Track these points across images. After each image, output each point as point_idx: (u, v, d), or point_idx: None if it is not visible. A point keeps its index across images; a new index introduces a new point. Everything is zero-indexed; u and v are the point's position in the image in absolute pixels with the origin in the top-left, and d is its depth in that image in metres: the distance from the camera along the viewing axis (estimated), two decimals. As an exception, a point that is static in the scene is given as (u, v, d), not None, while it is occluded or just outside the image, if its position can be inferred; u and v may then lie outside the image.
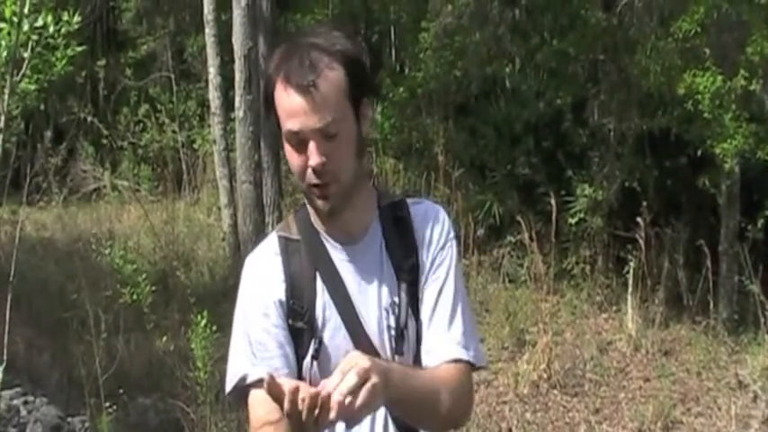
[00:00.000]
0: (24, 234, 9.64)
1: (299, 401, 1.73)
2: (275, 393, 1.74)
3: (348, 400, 1.74)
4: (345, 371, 1.77)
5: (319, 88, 1.99)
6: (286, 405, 1.73)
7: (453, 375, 2.11)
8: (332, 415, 1.73)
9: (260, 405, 2.07)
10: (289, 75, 2.01)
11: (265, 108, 2.14)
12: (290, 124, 2.02)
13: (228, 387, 2.15)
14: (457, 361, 2.13)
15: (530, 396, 7.84)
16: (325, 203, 2.08)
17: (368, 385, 1.76)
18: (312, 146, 2.01)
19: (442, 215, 2.23)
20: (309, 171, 2.04)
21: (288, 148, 2.07)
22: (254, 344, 2.13)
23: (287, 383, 1.75)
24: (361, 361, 1.80)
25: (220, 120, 10.64)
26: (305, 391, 1.74)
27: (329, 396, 1.72)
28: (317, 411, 1.73)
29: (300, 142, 2.03)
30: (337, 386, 1.75)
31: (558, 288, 9.54)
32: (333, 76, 2.02)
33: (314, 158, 2.02)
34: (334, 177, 2.05)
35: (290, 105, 2.02)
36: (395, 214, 2.20)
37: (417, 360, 2.16)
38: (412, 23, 12.77)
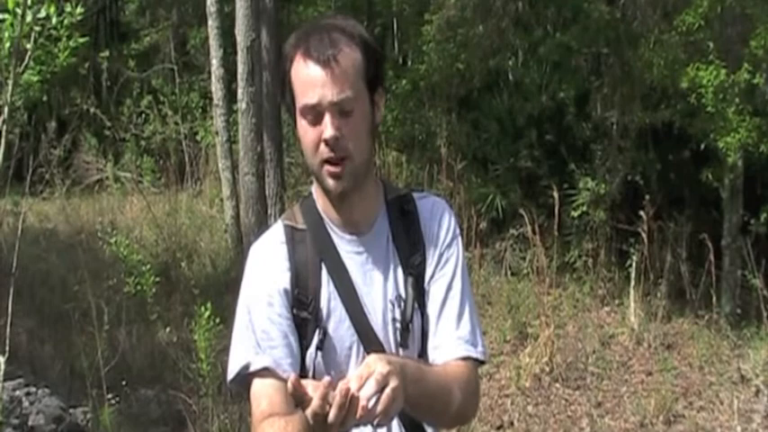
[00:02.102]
0: (27, 225, 9.65)
1: (329, 399, 1.74)
2: (299, 396, 1.75)
3: (371, 404, 1.75)
4: (364, 376, 1.78)
5: (339, 62, 2.02)
6: (316, 402, 1.74)
7: (463, 373, 2.12)
8: (357, 416, 1.75)
9: (264, 396, 2.08)
10: (309, 49, 2.04)
11: (281, 88, 2.15)
12: (306, 98, 2.04)
13: (231, 375, 2.15)
14: (465, 359, 2.14)
15: (532, 389, 7.84)
16: (337, 184, 2.07)
17: (387, 390, 1.77)
18: (327, 118, 2.02)
19: (448, 211, 2.24)
20: (323, 145, 2.04)
21: (302, 125, 2.08)
22: (258, 333, 2.12)
23: (310, 385, 1.77)
24: (380, 366, 1.80)
25: (223, 111, 10.63)
26: (334, 389, 1.75)
27: (357, 398, 1.74)
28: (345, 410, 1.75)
29: (316, 116, 2.04)
30: (358, 391, 1.76)
31: (560, 281, 9.54)
32: (352, 55, 2.05)
33: (328, 131, 2.02)
34: (348, 154, 2.05)
35: (309, 77, 2.03)
36: (402, 208, 2.21)
37: (422, 353, 2.17)
38: (415, 16, 12.79)
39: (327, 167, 2.06)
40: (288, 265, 2.15)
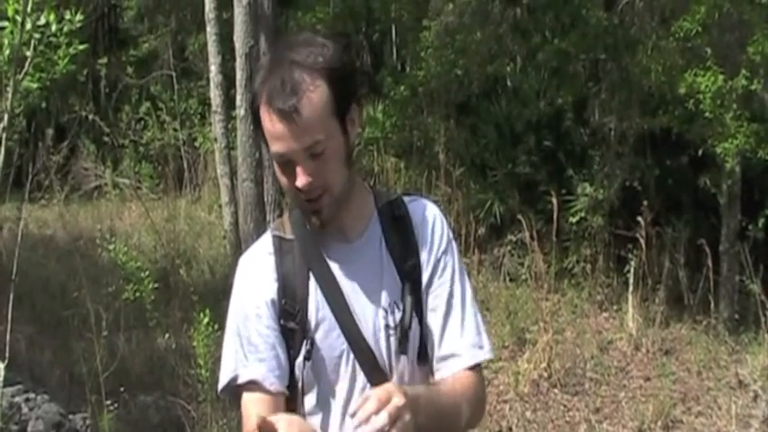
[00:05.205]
0: (26, 232, 9.64)
1: None
2: None
3: None
4: (383, 400, 1.81)
5: (301, 112, 1.98)
6: None
7: (471, 385, 2.15)
8: None
9: (252, 411, 2.09)
10: (271, 98, 2.01)
11: (253, 123, 2.14)
12: (275, 147, 2.03)
13: (220, 386, 2.18)
14: (472, 367, 2.17)
15: (530, 395, 7.85)
16: (317, 219, 2.10)
17: (399, 424, 1.81)
18: (299, 168, 2.02)
19: (441, 215, 2.24)
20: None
21: (276, 167, 2.09)
22: (246, 345, 2.14)
23: (282, 421, 1.81)
24: (397, 397, 1.83)
25: (222, 118, 10.63)
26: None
27: None
28: None
29: (287, 163, 2.04)
30: (370, 415, 1.79)
31: (558, 287, 9.54)
32: (315, 97, 2.00)
33: (300, 180, 2.03)
34: (325, 189, 2.06)
35: (274, 130, 2.02)
36: (393, 213, 2.20)
37: (419, 359, 2.17)
38: (413, 22, 12.77)
39: (306, 205, 2.08)
40: (275, 275, 2.16)
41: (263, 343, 2.12)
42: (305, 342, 2.11)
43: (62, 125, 14.15)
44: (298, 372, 2.13)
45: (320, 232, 2.16)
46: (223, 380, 2.16)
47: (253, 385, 2.11)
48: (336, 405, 2.15)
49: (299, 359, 2.12)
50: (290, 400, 2.15)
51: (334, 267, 2.15)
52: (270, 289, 2.15)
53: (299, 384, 2.13)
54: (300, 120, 1.98)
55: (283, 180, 2.08)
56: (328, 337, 2.13)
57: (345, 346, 2.13)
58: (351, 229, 2.18)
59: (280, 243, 2.19)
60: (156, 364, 7.81)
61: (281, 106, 1.99)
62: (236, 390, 2.14)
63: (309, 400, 2.15)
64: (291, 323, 2.13)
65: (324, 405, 2.15)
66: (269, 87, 2.02)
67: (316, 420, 2.16)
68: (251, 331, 2.14)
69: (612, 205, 9.96)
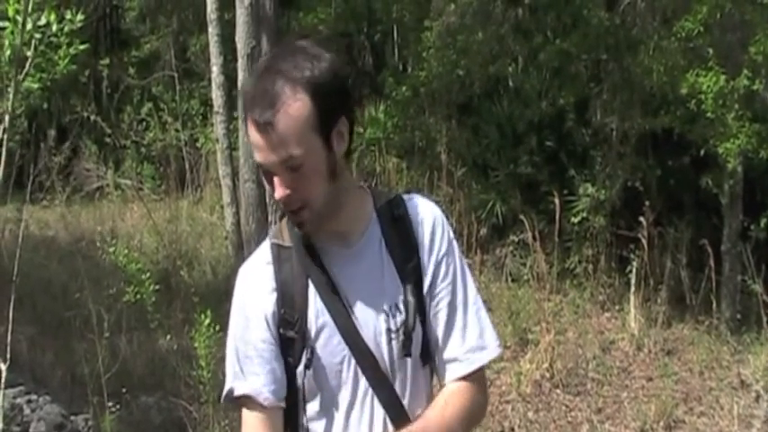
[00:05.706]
0: (28, 233, 9.65)
1: None
2: None
3: None
4: None
5: (276, 126, 1.95)
6: None
7: (466, 398, 2.16)
8: None
9: (248, 427, 2.13)
10: (251, 106, 1.99)
11: (245, 123, 2.14)
12: (255, 155, 2.03)
13: (222, 397, 2.19)
14: (472, 372, 2.17)
15: (532, 395, 7.83)
16: (300, 230, 2.09)
17: None
18: (276, 180, 2.01)
19: (440, 214, 2.22)
20: None
21: (262, 174, 2.09)
22: (242, 358, 2.14)
23: None
24: None
25: (223, 118, 10.62)
26: None
27: None
28: None
29: (268, 173, 2.03)
30: None
31: (560, 287, 9.53)
32: (295, 112, 1.96)
33: (278, 191, 2.02)
34: (304, 203, 2.04)
35: (253, 139, 2.00)
36: (392, 213, 2.18)
37: (423, 360, 2.17)
38: (415, 22, 12.79)
39: (289, 215, 2.08)
40: (273, 285, 2.14)
41: (259, 357, 2.12)
42: (305, 350, 2.10)
43: (64, 126, 14.17)
44: (299, 380, 2.12)
45: (318, 237, 2.14)
46: (224, 391, 2.18)
47: (248, 399, 2.12)
48: (339, 411, 2.15)
49: (300, 368, 2.11)
50: (292, 409, 2.15)
51: (334, 272, 2.14)
52: (268, 300, 2.14)
53: (301, 392, 2.13)
54: (275, 133, 1.96)
55: (268, 187, 2.09)
56: (329, 343, 2.12)
57: (347, 351, 2.11)
58: (349, 233, 2.16)
59: (278, 251, 2.17)
60: (157, 365, 7.81)
61: (257, 118, 1.97)
62: (234, 401, 2.15)
63: (312, 408, 2.15)
64: (291, 332, 2.11)
65: (326, 411, 2.15)
66: (251, 95, 2.00)
67: (318, 427, 2.16)
68: (247, 344, 2.14)
69: (614, 205, 9.95)
